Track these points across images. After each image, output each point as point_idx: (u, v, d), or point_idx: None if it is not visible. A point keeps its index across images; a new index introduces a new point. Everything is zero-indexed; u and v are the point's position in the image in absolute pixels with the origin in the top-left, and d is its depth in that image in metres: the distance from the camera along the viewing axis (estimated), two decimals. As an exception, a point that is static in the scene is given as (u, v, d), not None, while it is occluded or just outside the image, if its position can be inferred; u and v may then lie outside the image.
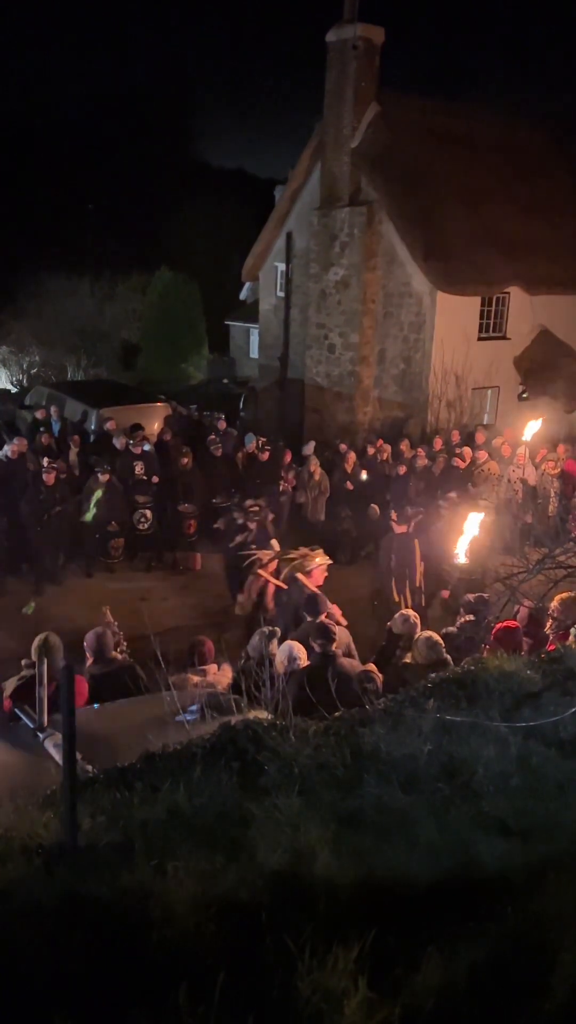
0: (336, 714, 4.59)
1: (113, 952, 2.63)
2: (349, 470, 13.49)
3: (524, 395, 18.46)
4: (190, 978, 2.49)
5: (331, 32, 17.39)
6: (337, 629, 6.74)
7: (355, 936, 2.61)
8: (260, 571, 9.10)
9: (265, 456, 13.69)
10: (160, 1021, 2.35)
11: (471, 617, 7.20)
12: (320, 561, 8.66)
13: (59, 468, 11.59)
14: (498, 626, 6.65)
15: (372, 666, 6.45)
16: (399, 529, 9.25)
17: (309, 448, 14.16)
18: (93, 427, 14.64)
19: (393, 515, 9.54)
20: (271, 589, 9.04)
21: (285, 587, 8.75)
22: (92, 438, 14.18)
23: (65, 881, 2.97)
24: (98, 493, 10.78)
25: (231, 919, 2.79)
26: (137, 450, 12.78)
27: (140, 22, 69.91)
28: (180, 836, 3.30)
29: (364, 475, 13.49)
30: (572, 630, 6.48)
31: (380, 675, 6.28)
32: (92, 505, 11.10)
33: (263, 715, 4.61)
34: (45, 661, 4.67)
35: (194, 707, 4.83)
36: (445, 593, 10.04)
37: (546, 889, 2.98)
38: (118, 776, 3.85)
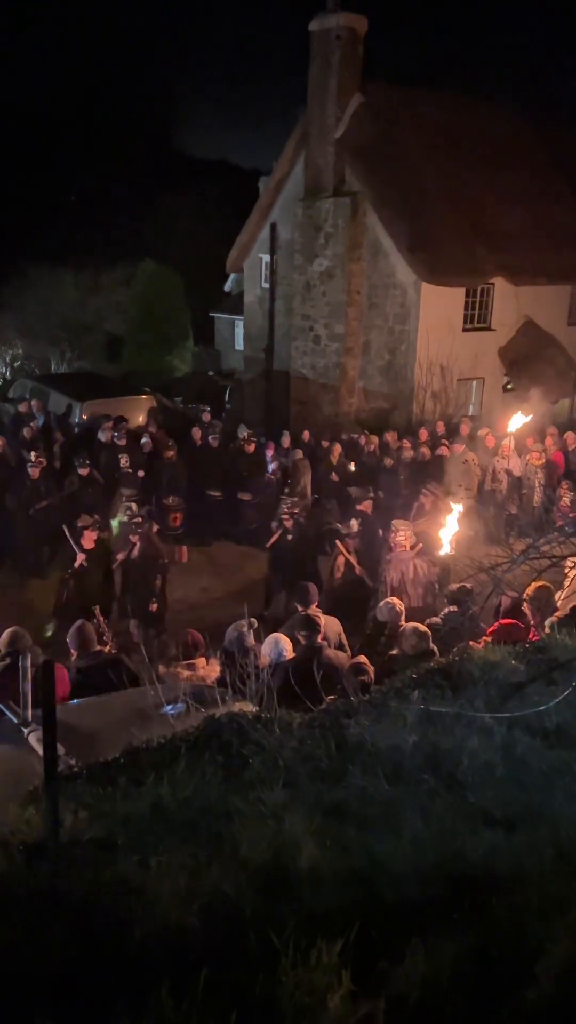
0: (321, 706, 4.57)
1: (95, 949, 2.61)
2: (335, 462, 13.46)
3: (509, 386, 18.49)
4: (173, 974, 2.47)
5: (314, 22, 17.29)
6: (324, 620, 6.72)
7: (339, 929, 2.59)
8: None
9: (251, 448, 13.65)
10: (143, 1018, 2.33)
11: (455, 608, 7.20)
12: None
13: (43, 462, 11.50)
14: (500, 622, 6.65)
15: (363, 658, 6.43)
16: (398, 548, 8.95)
17: (287, 440, 14.09)
18: (77, 420, 14.55)
19: (392, 535, 9.14)
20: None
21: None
22: (76, 431, 14.10)
23: (46, 877, 2.94)
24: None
25: (215, 914, 2.77)
26: (122, 443, 12.71)
27: (123, 12, 69.35)
28: (163, 831, 3.27)
29: (351, 467, 13.46)
30: (547, 621, 6.50)
31: (372, 667, 6.26)
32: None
33: (248, 708, 4.59)
34: (28, 655, 4.63)
35: (179, 701, 4.80)
36: (433, 571, 10.03)
37: (531, 879, 2.97)
38: (101, 771, 3.82)
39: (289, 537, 9.99)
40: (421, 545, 9.12)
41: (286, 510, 10.11)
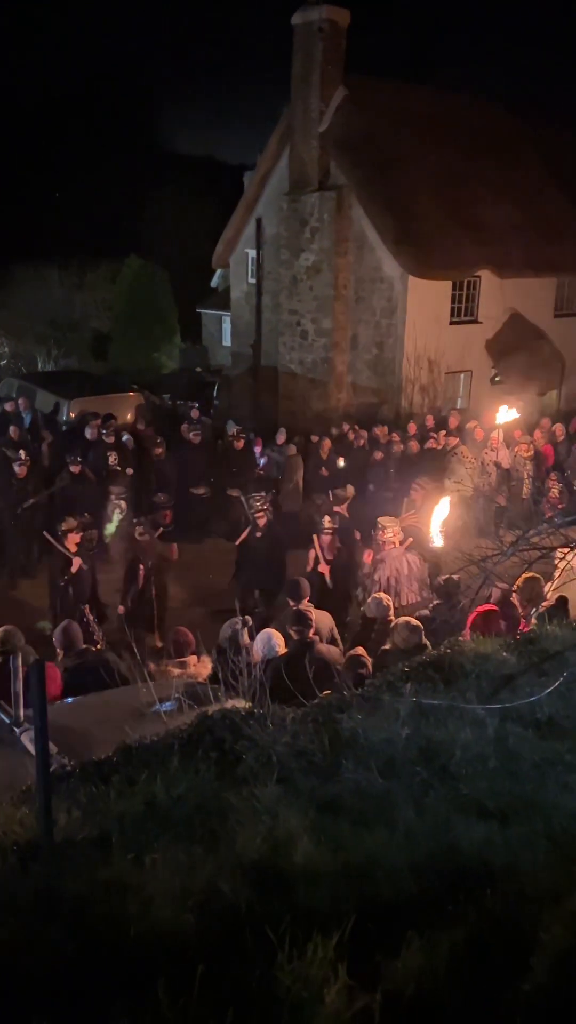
0: (314, 701, 4.57)
1: (91, 948, 2.61)
2: (324, 457, 13.46)
3: (497, 378, 18.52)
4: (169, 971, 2.47)
5: (296, 15, 17.23)
6: (316, 615, 6.72)
7: (335, 924, 2.60)
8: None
9: (240, 444, 13.63)
10: (140, 1015, 2.33)
11: (443, 600, 7.21)
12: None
13: (29, 461, 11.45)
14: (477, 610, 6.66)
15: (361, 649, 6.43)
16: (388, 546, 8.93)
17: (281, 437, 14.07)
18: (65, 418, 14.49)
19: (380, 533, 9.10)
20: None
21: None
22: (64, 429, 14.05)
23: (41, 877, 2.94)
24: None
25: (210, 910, 2.77)
26: (110, 440, 12.66)
27: (107, 9, 68.91)
28: (158, 828, 3.27)
29: (341, 462, 13.46)
30: (533, 611, 6.51)
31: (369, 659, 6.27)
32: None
33: (241, 704, 4.59)
34: (20, 655, 4.62)
35: (167, 704, 4.79)
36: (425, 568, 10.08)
37: (524, 870, 2.99)
38: (94, 770, 3.82)
39: (258, 534, 9.98)
40: (411, 539, 9.13)
41: (256, 506, 10.07)
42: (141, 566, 9.21)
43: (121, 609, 9.17)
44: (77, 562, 8.86)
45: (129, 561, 9.39)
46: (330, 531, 9.36)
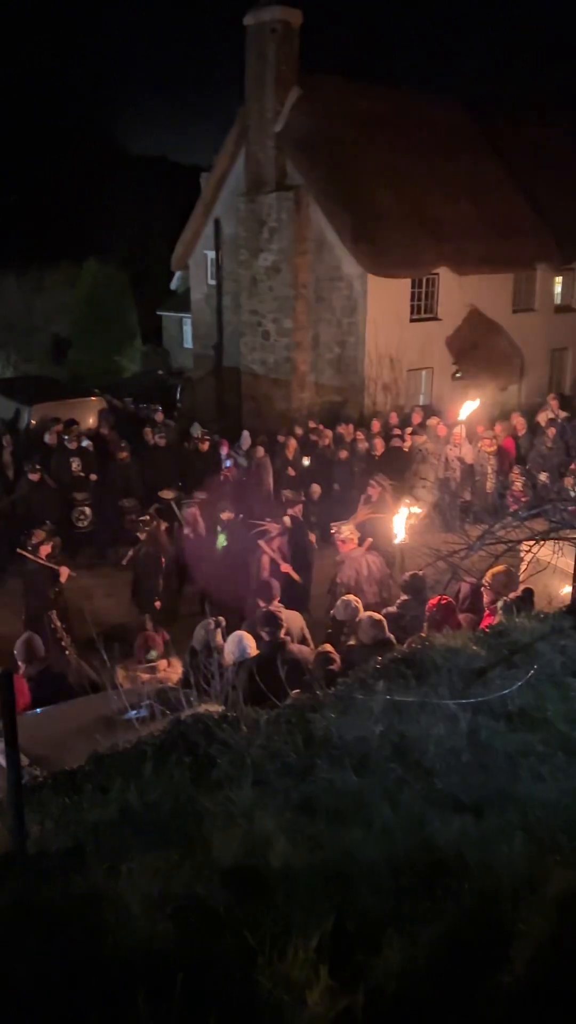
0: (287, 701, 4.56)
1: (68, 961, 2.57)
2: (290, 457, 13.46)
3: (458, 375, 18.68)
4: (149, 980, 2.44)
5: (248, 15, 17.21)
6: (286, 615, 6.72)
7: (314, 924, 2.59)
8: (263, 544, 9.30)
9: (205, 447, 13.58)
10: (120, 1027, 2.30)
11: (409, 597, 7.24)
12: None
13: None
14: (431, 603, 6.69)
15: (329, 646, 6.44)
16: (346, 548, 8.96)
17: (247, 442, 14.03)
18: (26, 425, 14.31)
19: (336, 531, 9.11)
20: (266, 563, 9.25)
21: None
22: (25, 436, 13.87)
23: (15, 891, 2.89)
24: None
25: (188, 917, 2.75)
26: (73, 446, 12.53)
27: (56, 9, 68.21)
28: (132, 836, 3.24)
29: (306, 461, 13.47)
30: (498, 604, 6.57)
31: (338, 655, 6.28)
32: None
33: (214, 708, 4.56)
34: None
35: (138, 711, 4.76)
36: (387, 568, 10.13)
37: (501, 862, 3.01)
38: (66, 779, 3.77)
39: (191, 536, 10.07)
40: (371, 540, 9.18)
41: (186, 510, 10.14)
42: (163, 559, 9.32)
43: (158, 604, 9.32)
44: (65, 571, 8.96)
45: (147, 557, 9.40)
46: (277, 535, 9.45)
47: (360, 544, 9.01)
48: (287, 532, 9.68)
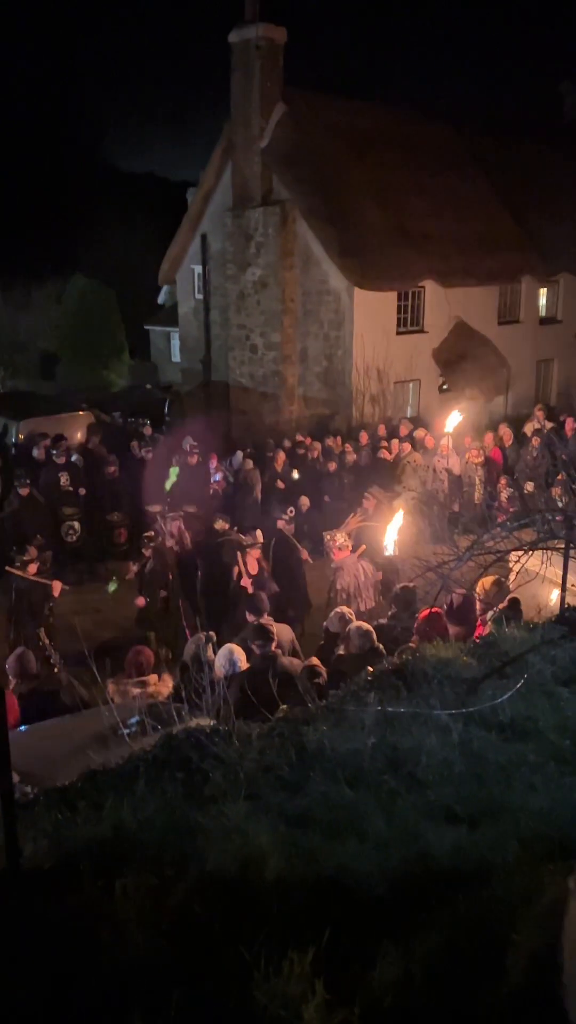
0: (279, 715, 4.56)
1: (64, 980, 2.55)
2: (279, 470, 13.49)
3: (444, 386, 18.78)
4: (144, 997, 2.43)
5: (233, 33, 17.37)
6: (277, 628, 6.72)
7: (310, 938, 2.59)
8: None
9: (194, 460, 13.58)
10: (116, 1046, 2.28)
11: (401, 609, 7.26)
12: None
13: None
14: (421, 615, 6.71)
15: (315, 659, 6.44)
16: (340, 555, 9.02)
17: (238, 459, 14.04)
18: (14, 440, 14.29)
19: (331, 539, 9.17)
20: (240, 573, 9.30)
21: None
22: (14, 451, 13.85)
23: (8, 910, 2.87)
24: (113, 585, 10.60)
25: (183, 933, 2.74)
26: (61, 460, 12.51)
27: (46, 27, 68.60)
28: (127, 853, 3.22)
29: (295, 474, 13.50)
30: (488, 615, 6.59)
31: (324, 668, 6.28)
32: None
33: (206, 722, 4.56)
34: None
35: (134, 719, 4.74)
36: (378, 574, 10.16)
37: (495, 873, 3.01)
38: (59, 796, 3.75)
39: (176, 548, 10.09)
40: (364, 547, 9.24)
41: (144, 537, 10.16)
42: (170, 575, 9.43)
43: (142, 601, 9.40)
44: (58, 585, 8.95)
45: (152, 574, 9.50)
46: (256, 546, 9.50)
47: (353, 551, 9.07)
48: (266, 544, 9.73)
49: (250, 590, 9.15)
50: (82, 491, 12.28)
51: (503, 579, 6.84)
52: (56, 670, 7.10)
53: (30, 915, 2.85)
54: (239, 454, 14.21)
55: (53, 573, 10.10)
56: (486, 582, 6.74)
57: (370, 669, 5.14)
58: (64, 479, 12.18)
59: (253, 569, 9.40)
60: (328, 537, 9.12)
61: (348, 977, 2.50)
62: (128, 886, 2.96)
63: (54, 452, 12.67)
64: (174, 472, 10.39)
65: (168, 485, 10.47)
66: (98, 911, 2.83)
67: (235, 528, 10.38)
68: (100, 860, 3.16)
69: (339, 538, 8.96)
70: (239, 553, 9.53)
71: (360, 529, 9.75)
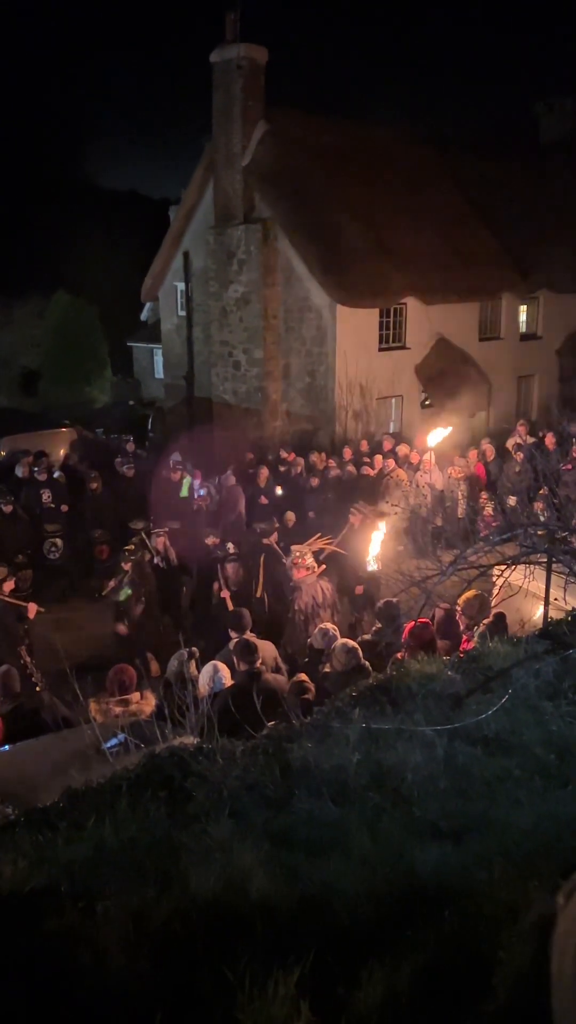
0: (263, 732, 4.53)
1: (43, 1006, 2.50)
2: (262, 485, 13.48)
3: (427, 402, 18.88)
4: (126, 1021, 2.39)
5: (215, 53, 17.52)
6: (260, 644, 6.69)
7: (295, 959, 2.55)
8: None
9: (177, 476, 13.55)
10: (97, 1073, 2.24)
11: (383, 624, 7.26)
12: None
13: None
14: (409, 625, 6.72)
15: (304, 676, 6.42)
16: (299, 574, 9.01)
17: (230, 478, 13.99)
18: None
19: (299, 556, 9.15)
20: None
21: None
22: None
23: (-13, 935, 2.81)
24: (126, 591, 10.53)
25: (166, 955, 2.69)
26: (42, 477, 12.46)
27: (28, 45, 68.97)
28: (109, 873, 3.18)
29: (279, 490, 13.49)
30: (475, 630, 6.61)
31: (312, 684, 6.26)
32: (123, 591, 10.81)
33: (189, 740, 4.52)
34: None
35: (116, 739, 4.69)
36: (359, 589, 10.15)
37: (481, 889, 2.99)
38: (40, 817, 3.70)
39: (161, 564, 10.19)
40: (324, 566, 9.27)
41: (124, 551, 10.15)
42: (146, 590, 9.51)
43: (123, 629, 9.42)
44: (33, 608, 8.88)
45: (130, 587, 9.46)
46: (234, 558, 9.50)
47: (314, 571, 9.09)
48: (255, 558, 9.71)
49: (229, 604, 9.14)
50: (64, 508, 12.22)
51: (485, 594, 6.86)
52: (38, 689, 7.03)
53: (8, 939, 2.80)
54: (228, 473, 14.20)
55: (35, 591, 10.04)
56: (467, 596, 6.76)
57: (355, 685, 5.13)
58: (46, 496, 12.13)
59: (233, 584, 9.41)
60: (297, 553, 9.11)
61: (334, 998, 2.47)
62: (110, 908, 2.91)
63: (35, 469, 12.62)
64: (186, 483, 10.35)
65: (184, 491, 10.45)
66: (79, 934, 2.78)
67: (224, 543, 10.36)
68: (81, 881, 3.11)
69: (308, 557, 8.98)
70: (219, 566, 9.53)
71: (324, 549, 9.73)
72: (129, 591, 9.74)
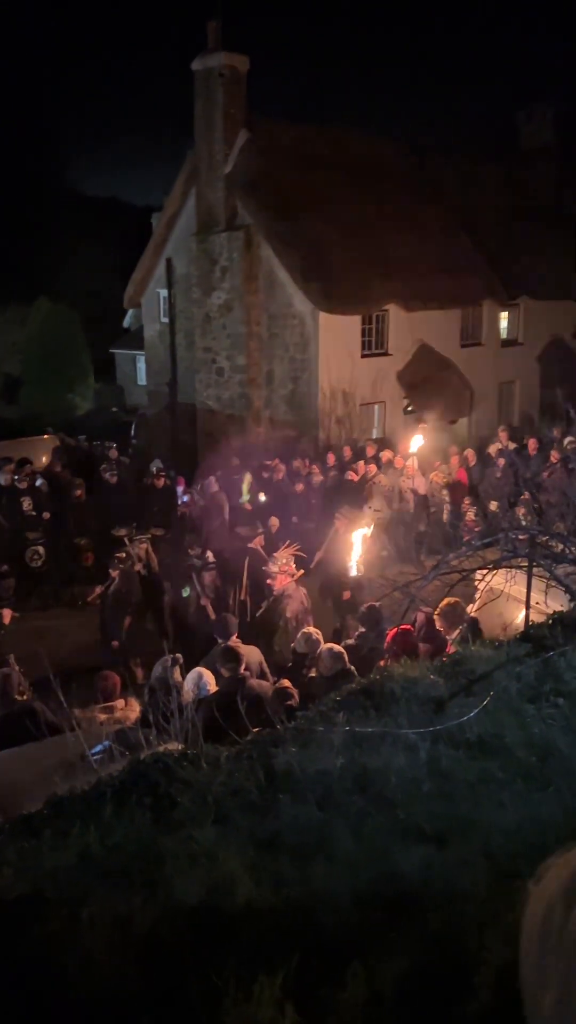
0: (248, 737, 4.54)
1: (30, 1014, 2.50)
2: (246, 491, 13.50)
3: (409, 409, 18.98)
4: (113, 1028, 2.39)
5: (196, 61, 17.58)
6: (245, 650, 6.70)
7: (280, 962, 2.57)
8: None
9: (160, 483, 13.55)
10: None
11: (365, 629, 7.29)
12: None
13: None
14: (391, 632, 6.75)
15: (287, 682, 6.43)
16: (282, 583, 9.05)
17: (213, 485, 14.01)
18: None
19: (287, 563, 9.16)
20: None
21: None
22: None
23: (-28, 943, 2.81)
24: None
25: (152, 960, 2.70)
26: (23, 485, 12.40)
27: (9, 51, 68.80)
28: (93, 880, 3.18)
29: (262, 496, 13.51)
30: (453, 637, 6.64)
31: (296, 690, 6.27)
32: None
33: (174, 746, 4.52)
34: None
35: (100, 746, 4.69)
36: (346, 594, 10.18)
37: (464, 891, 3.02)
38: (24, 825, 3.69)
39: (143, 572, 10.09)
40: (301, 571, 9.32)
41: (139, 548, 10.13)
42: (132, 599, 9.43)
43: (115, 644, 9.30)
44: (7, 613, 8.83)
45: (116, 594, 9.43)
46: (212, 567, 9.51)
47: (292, 577, 9.15)
48: (239, 563, 9.74)
49: (210, 611, 9.15)
50: (46, 515, 12.18)
51: (460, 601, 6.90)
52: (24, 696, 7.00)
53: (-5, 947, 2.80)
54: (211, 480, 14.21)
55: (18, 598, 10.00)
56: (444, 603, 6.80)
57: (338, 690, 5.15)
58: (27, 504, 12.08)
59: (210, 592, 9.45)
60: (283, 560, 9.14)
61: (319, 1000, 2.49)
62: (95, 914, 2.92)
63: (16, 477, 12.57)
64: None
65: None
66: (64, 941, 2.79)
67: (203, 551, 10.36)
68: (66, 889, 3.11)
69: (279, 567, 9.02)
70: (193, 574, 9.56)
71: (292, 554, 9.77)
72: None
